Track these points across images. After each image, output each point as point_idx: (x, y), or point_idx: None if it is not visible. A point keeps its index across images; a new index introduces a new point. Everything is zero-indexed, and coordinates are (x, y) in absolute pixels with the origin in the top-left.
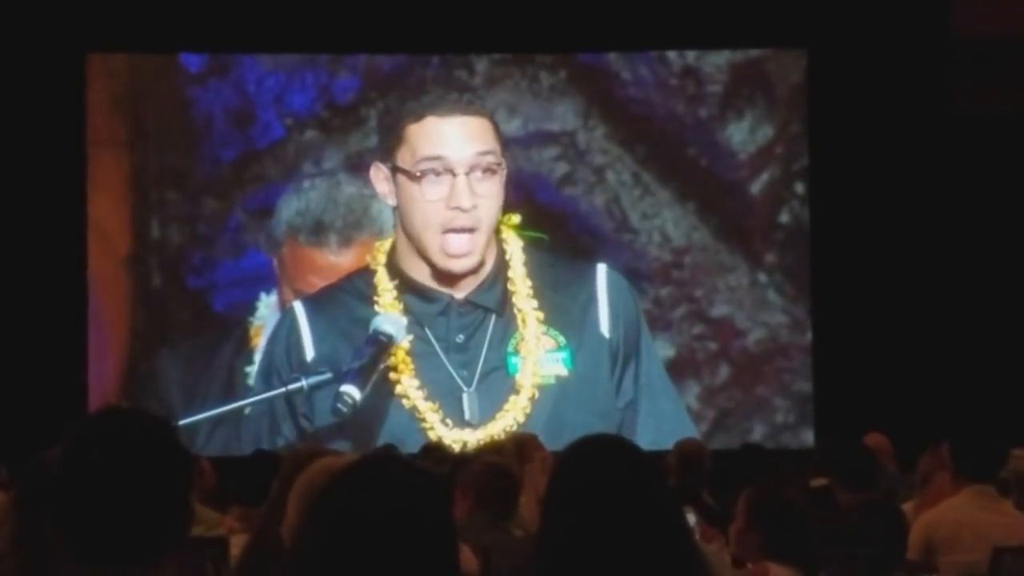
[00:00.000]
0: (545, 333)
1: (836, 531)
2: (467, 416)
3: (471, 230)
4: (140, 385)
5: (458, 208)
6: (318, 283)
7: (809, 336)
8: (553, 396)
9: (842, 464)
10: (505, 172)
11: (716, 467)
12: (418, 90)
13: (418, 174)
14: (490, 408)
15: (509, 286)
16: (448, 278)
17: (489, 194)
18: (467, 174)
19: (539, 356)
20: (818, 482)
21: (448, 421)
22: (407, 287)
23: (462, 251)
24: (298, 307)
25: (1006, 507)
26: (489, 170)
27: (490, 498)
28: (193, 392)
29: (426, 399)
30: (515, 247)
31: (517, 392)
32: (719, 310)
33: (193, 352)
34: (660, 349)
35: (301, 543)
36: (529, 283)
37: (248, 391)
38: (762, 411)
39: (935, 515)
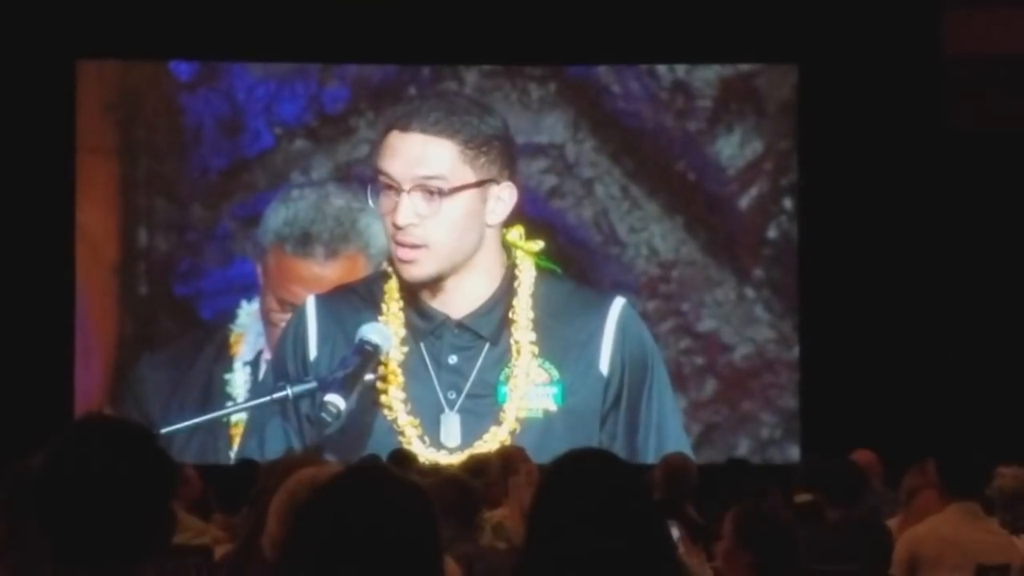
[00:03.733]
0: (540, 366)
1: (820, 547)
2: (443, 438)
3: (415, 246)
4: (125, 392)
5: (395, 225)
6: (302, 293)
7: (796, 351)
8: (538, 430)
9: (829, 480)
10: (471, 196)
11: (702, 481)
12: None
13: (376, 186)
14: (470, 434)
15: (510, 314)
16: (438, 296)
17: (433, 214)
18: (409, 192)
19: (527, 390)
20: (802, 497)
21: (426, 439)
22: (409, 300)
23: (407, 258)
24: (310, 303)
25: (991, 525)
26: (432, 192)
27: (453, 511)
28: (172, 398)
29: (408, 413)
30: (528, 275)
31: (499, 424)
32: (706, 324)
33: (173, 358)
34: None
35: (287, 556)
36: (532, 315)
37: (228, 398)
38: (748, 426)
39: (920, 531)
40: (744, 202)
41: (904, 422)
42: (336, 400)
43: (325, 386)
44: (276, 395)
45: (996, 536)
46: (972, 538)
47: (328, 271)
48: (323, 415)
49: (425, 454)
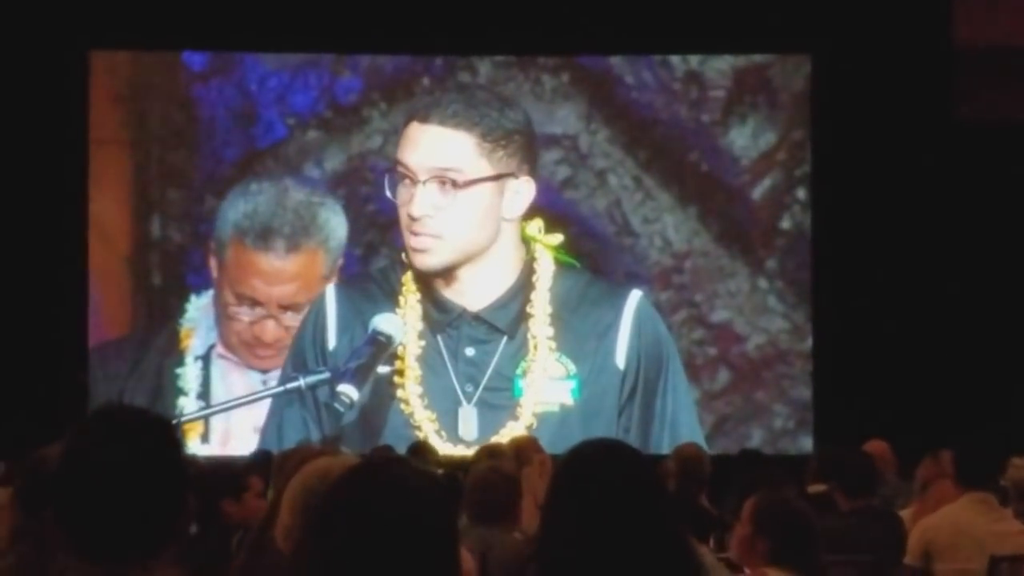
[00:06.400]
0: (557, 360)
1: (834, 538)
2: (461, 431)
3: (430, 236)
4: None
5: (410, 216)
6: (261, 287)
7: (809, 342)
8: (555, 424)
9: (842, 471)
10: (487, 189)
11: (714, 472)
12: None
13: (393, 176)
14: (487, 428)
15: (528, 308)
16: (454, 288)
17: (448, 205)
18: (424, 183)
19: (544, 384)
20: (816, 488)
21: (443, 433)
22: (426, 292)
23: (420, 246)
24: (329, 292)
25: (1006, 515)
26: (446, 183)
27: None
28: (121, 392)
29: (425, 407)
30: (546, 269)
31: (516, 419)
32: (719, 315)
33: (120, 352)
34: None
35: (303, 546)
36: (550, 309)
37: (180, 393)
38: (761, 417)
39: (935, 521)
40: (757, 193)
41: (918, 413)
42: (349, 390)
43: (338, 376)
44: (289, 385)
45: (1010, 526)
46: (986, 528)
47: (289, 265)
48: (336, 405)
49: (442, 448)
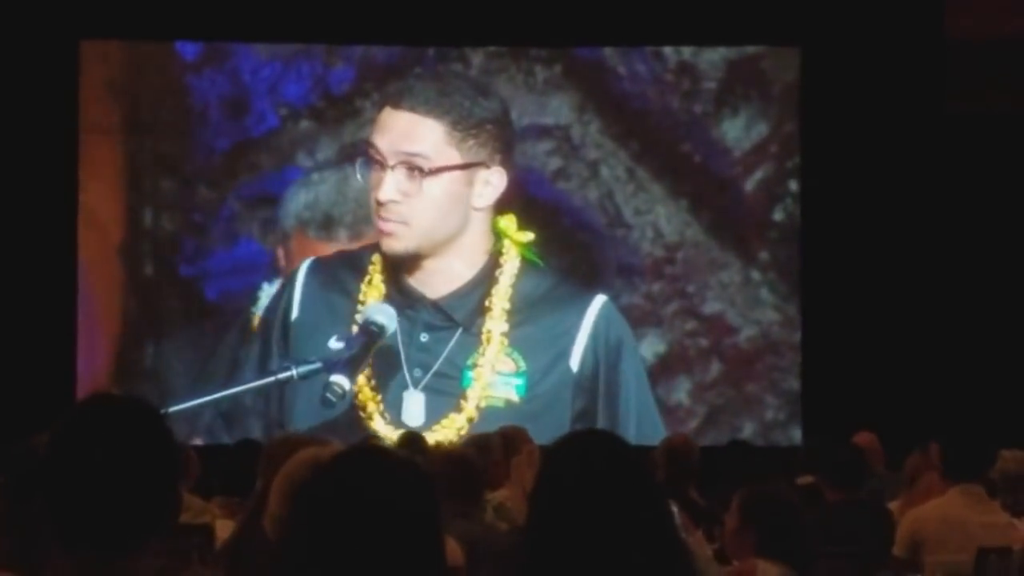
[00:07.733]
0: (507, 355)
1: (822, 529)
2: (404, 416)
3: (397, 222)
4: (131, 374)
5: (377, 200)
6: None
7: (800, 334)
8: (499, 420)
9: (831, 463)
10: (455, 178)
11: (704, 463)
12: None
13: (366, 160)
14: (431, 416)
15: (487, 302)
16: (418, 276)
17: (416, 192)
18: (392, 168)
19: (491, 379)
20: (804, 480)
21: (386, 415)
22: (392, 274)
23: (388, 230)
24: (304, 266)
25: (994, 507)
26: (413, 169)
27: (456, 489)
28: (196, 383)
29: (372, 389)
30: (511, 264)
31: (459, 411)
32: (711, 307)
33: (193, 342)
34: (651, 345)
35: (287, 534)
36: (507, 305)
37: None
38: (752, 408)
39: (923, 512)
40: (749, 184)
41: (906, 405)
42: (341, 381)
43: (330, 367)
44: (281, 376)
45: (998, 519)
46: (975, 520)
47: None
48: (328, 395)
49: (384, 432)
